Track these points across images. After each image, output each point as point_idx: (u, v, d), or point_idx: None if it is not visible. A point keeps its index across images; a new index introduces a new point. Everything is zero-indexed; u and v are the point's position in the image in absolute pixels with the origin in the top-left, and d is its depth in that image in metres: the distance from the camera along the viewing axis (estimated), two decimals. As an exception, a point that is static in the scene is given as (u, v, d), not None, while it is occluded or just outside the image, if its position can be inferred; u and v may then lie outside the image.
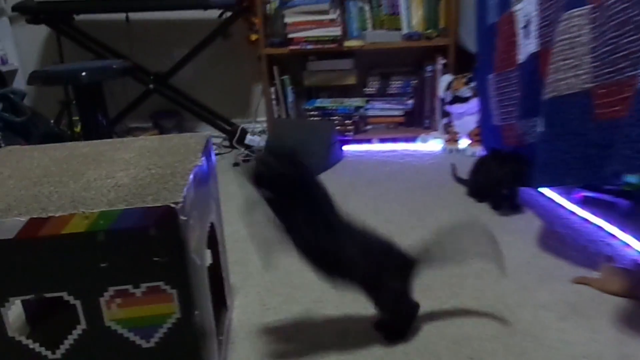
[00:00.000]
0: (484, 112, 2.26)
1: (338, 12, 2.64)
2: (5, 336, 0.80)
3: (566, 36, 1.37)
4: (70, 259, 0.76)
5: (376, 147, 2.70)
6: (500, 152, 1.88)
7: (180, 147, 1.05)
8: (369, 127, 2.82)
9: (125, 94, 2.93)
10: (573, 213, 1.78)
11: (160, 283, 0.79)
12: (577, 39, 1.34)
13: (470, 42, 2.46)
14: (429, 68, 2.70)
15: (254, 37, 2.77)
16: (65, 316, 0.84)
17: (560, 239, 1.61)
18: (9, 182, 0.90)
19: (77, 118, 2.50)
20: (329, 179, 2.31)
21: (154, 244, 0.77)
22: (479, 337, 1.16)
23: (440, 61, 2.63)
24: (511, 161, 1.80)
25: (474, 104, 2.47)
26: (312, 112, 2.76)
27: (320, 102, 2.80)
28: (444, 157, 2.51)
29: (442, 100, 2.62)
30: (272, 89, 2.79)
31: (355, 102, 2.78)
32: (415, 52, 2.81)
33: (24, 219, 0.74)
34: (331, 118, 2.73)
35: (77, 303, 0.78)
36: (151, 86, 2.79)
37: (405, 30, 2.69)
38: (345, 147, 2.65)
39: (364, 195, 2.07)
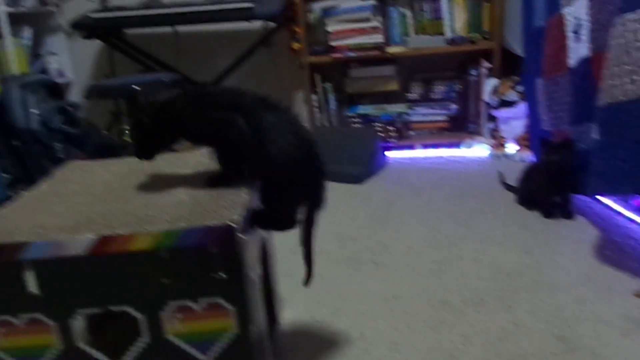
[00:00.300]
0: (533, 117, 2.21)
1: (380, 18, 2.63)
2: (73, 345, 0.83)
3: (621, 41, 1.33)
4: (135, 274, 0.79)
5: (420, 153, 2.68)
6: (551, 155, 1.81)
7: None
8: (412, 133, 2.80)
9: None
10: (632, 221, 1.72)
11: (219, 299, 0.81)
12: (633, 44, 1.29)
13: (516, 45, 2.41)
14: (473, 72, 2.66)
15: (296, 45, 2.80)
16: (124, 328, 0.87)
17: (619, 249, 1.56)
18: (76, 199, 0.95)
19: (126, 127, 2.59)
20: (373, 187, 2.32)
21: (213, 261, 0.79)
22: (535, 354, 1.13)
23: (485, 65, 2.59)
24: (563, 166, 1.75)
25: (521, 108, 2.42)
26: (354, 119, 2.76)
27: (362, 109, 2.80)
28: (491, 163, 2.46)
29: (488, 104, 2.57)
30: (314, 97, 2.81)
31: (398, 108, 2.76)
32: (458, 56, 2.77)
33: (94, 236, 0.77)
34: (373, 125, 2.72)
35: (141, 317, 0.81)
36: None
37: (448, 35, 2.66)
38: (388, 154, 2.64)
39: (410, 204, 2.06)
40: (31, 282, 0.80)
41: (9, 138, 2.20)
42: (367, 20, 2.57)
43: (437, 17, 2.68)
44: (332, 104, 2.84)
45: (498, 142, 2.54)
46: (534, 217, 1.83)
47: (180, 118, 0.93)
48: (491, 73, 2.58)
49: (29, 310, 0.81)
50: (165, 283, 0.79)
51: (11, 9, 2.58)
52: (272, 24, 2.75)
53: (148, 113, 0.95)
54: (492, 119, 2.59)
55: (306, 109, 2.88)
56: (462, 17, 2.66)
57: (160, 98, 0.99)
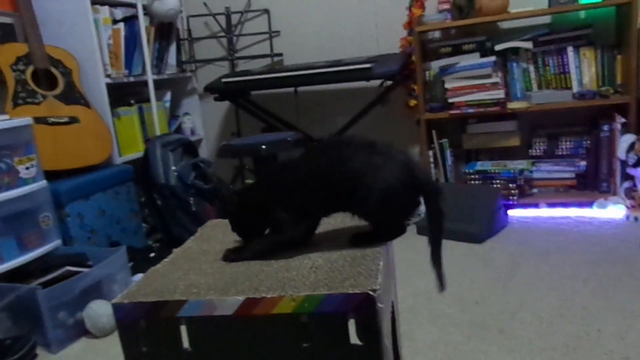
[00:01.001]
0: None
1: (500, 74, 2.59)
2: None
3: None
4: (276, 337, 0.82)
5: (544, 212, 2.52)
6: None
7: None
8: (535, 190, 2.67)
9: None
10: None
11: (356, 367, 0.81)
12: None
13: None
14: (605, 127, 2.49)
15: (412, 102, 2.83)
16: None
17: None
18: (221, 257, 1.02)
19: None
20: (495, 247, 2.22)
21: (353, 328, 0.80)
22: None
23: (619, 120, 2.41)
24: None
25: (663, 166, 2.21)
26: (472, 176, 2.69)
27: (480, 165, 2.73)
28: (628, 225, 2.25)
29: (623, 162, 2.38)
30: (430, 152, 2.80)
31: (520, 164, 2.65)
32: (587, 110, 2.62)
33: (242, 298, 0.82)
34: (492, 182, 2.63)
35: (281, 380, 0.83)
36: (318, 140, 2.97)
37: (576, 89, 2.54)
38: (510, 212, 2.52)
39: (537, 269, 1.93)
40: (185, 338, 0.86)
41: (149, 192, 2.44)
42: (487, 76, 2.54)
43: (563, 72, 2.58)
44: (449, 160, 2.81)
45: (636, 203, 2.32)
46: (687, 291, 1.63)
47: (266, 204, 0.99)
48: (626, 128, 2.40)
49: None
50: (304, 347, 0.82)
51: (155, 77, 2.91)
52: (389, 82, 2.82)
53: (233, 202, 1.03)
54: (629, 177, 2.38)
55: (422, 164, 2.87)
56: (592, 71, 2.53)
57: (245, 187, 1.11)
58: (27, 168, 1.90)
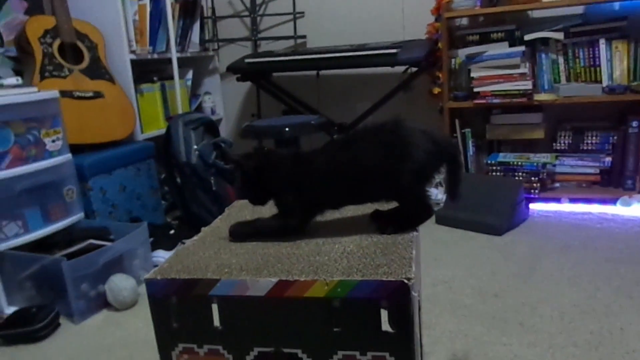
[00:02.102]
0: None
1: (528, 65, 2.54)
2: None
3: None
4: (307, 320, 0.82)
5: (566, 207, 2.49)
6: None
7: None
8: (556, 184, 2.63)
9: (310, 142, 3.15)
10: None
11: (386, 354, 0.81)
12: None
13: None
14: (634, 123, 2.44)
15: (436, 90, 2.79)
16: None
17: None
18: (251, 240, 1.02)
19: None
20: (515, 240, 2.20)
21: (383, 315, 0.79)
22: None
23: (650, 116, 2.37)
24: None
25: (692, 166, 2.16)
26: (493, 167, 2.66)
27: (503, 157, 2.70)
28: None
29: (652, 160, 2.34)
30: (452, 142, 2.77)
31: (543, 158, 2.62)
32: (616, 105, 2.57)
33: (274, 279, 0.82)
34: (515, 174, 2.61)
35: (310, 362, 0.83)
36: (335, 137, 2.96)
37: (605, 83, 2.49)
38: (531, 206, 2.50)
39: (558, 263, 1.91)
40: (215, 316, 0.87)
41: (170, 169, 2.45)
42: (515, 66, 2.50)
43: (594, 65, 2.52)
44: (471, 150, 2.78)
45: (663, 202, 2.29)
46: None
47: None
48: (656, 125, 2.36)
49: (211, 342, 0.88)
50: (335, 332, 0.82)
51: (179, 54, 2.90)
52: (413, 69, 2.79)
53: (249, 163, 1.01)
54: (656, 175, 2.34)
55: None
56: (624, 64, 2.47)
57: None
58: (54, 141, 1.91)
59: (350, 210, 1.11)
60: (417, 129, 0.98)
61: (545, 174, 2.59)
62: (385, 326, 0.80)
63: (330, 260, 0.88)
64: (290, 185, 0.98)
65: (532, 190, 2.58)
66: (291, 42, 3.19)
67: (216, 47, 3.33)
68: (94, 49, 2.37)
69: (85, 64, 2.31)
